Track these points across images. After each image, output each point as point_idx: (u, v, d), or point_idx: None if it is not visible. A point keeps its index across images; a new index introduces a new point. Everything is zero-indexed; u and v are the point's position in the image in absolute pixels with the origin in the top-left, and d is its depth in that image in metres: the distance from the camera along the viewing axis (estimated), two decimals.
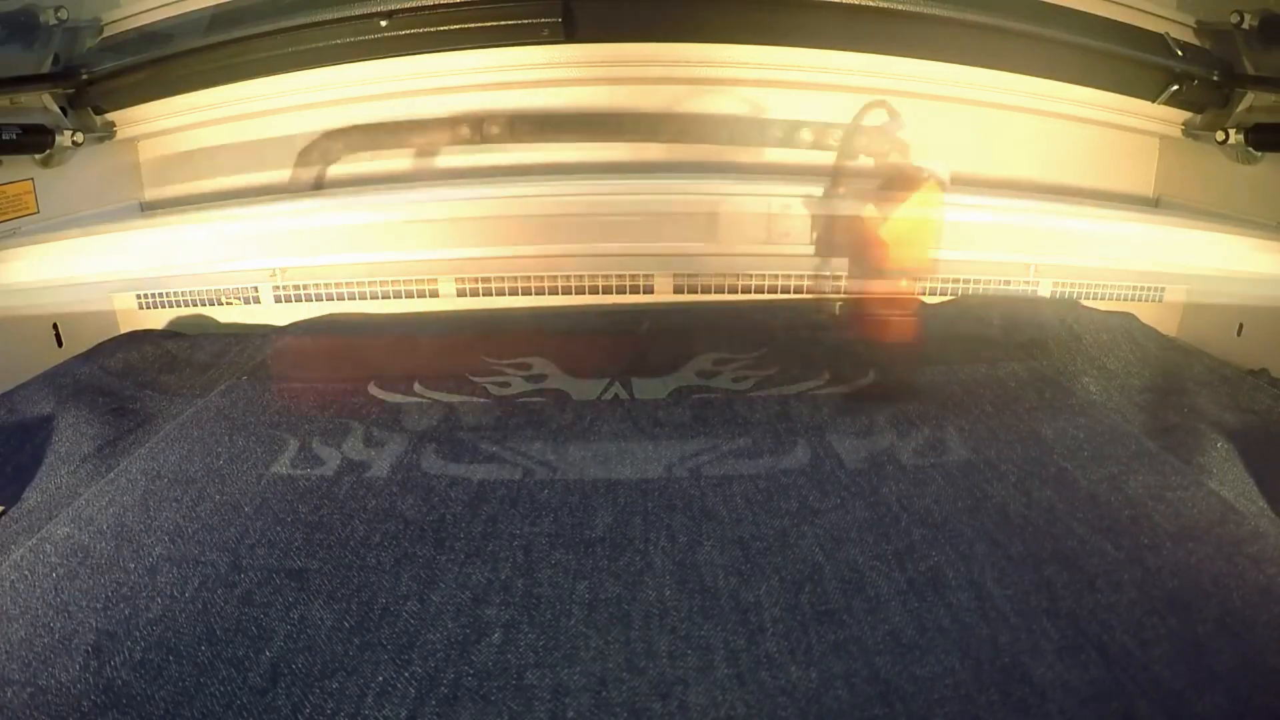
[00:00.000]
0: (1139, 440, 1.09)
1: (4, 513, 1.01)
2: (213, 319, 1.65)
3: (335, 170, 1.60)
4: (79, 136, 1.45)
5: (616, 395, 1.28)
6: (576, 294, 1.50)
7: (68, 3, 1.41)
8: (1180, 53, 1.37)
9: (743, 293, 1.51)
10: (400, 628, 0.77)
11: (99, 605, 0.80)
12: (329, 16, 1.33)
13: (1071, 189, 1.58)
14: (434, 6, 1.34)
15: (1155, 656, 0.71)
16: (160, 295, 1.50)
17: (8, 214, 1.35)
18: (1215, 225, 1.32)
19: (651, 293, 1.51)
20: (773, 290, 1.47)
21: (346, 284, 1.44)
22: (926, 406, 1.20)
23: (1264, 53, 1.33)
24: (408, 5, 1.32)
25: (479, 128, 1.56)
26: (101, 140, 1.53)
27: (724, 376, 1.35)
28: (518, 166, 1.58)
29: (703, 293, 1.53)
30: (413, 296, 1.41)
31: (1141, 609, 0.76)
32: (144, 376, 1.40)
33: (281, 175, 1.61)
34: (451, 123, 1.57)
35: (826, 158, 1.57)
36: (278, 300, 1.52)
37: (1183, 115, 1.47)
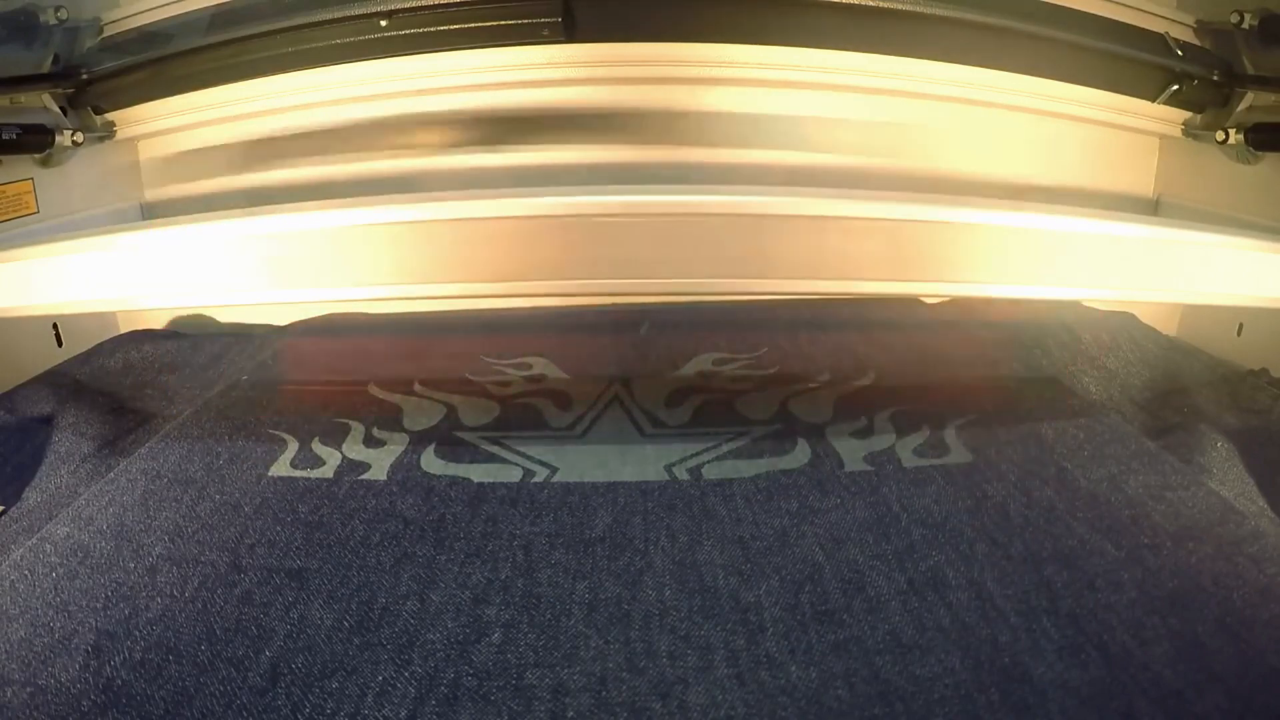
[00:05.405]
0: (1139, 440, 1.09)
1: (4, 513, 1.01)
2: (213, 319, 1.64)
3: (327, 172, 1.60)
4: (79, 136, 1.45)
5: (616, 395, 1.28)
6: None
7: (68, 3, 1.40)
8: (1180, 53, 1.37)
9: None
10: (400, 627, 0.77)
11: (99, 605, 0.80)
12: (329, 16, 1.33)
13: (1071, 189, 1.58)
14: (434, 6, 1.34)
15: (1155, 656, 0.71)
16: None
17: (8, 214, 1.35)
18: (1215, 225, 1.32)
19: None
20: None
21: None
22: (926, 406, 1.20)
23: (1264, 53, 1.33)
24: (408, 5, 1.32)
25: (476, 128, 1.56)
26: (101, 140, 1.53)
27: (724, 376, 1.35)
28: (516, 168, 1.58)
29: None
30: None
31: (1141, 609, 0.77)
32: (144, 376, 1.40)
33: (281, 175, 1.61)
34: (448, 123, 1.57)
35: (828, 159, 1.57)
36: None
37: (1183, 115, 1.47)
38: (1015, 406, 1.20)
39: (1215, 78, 1.37)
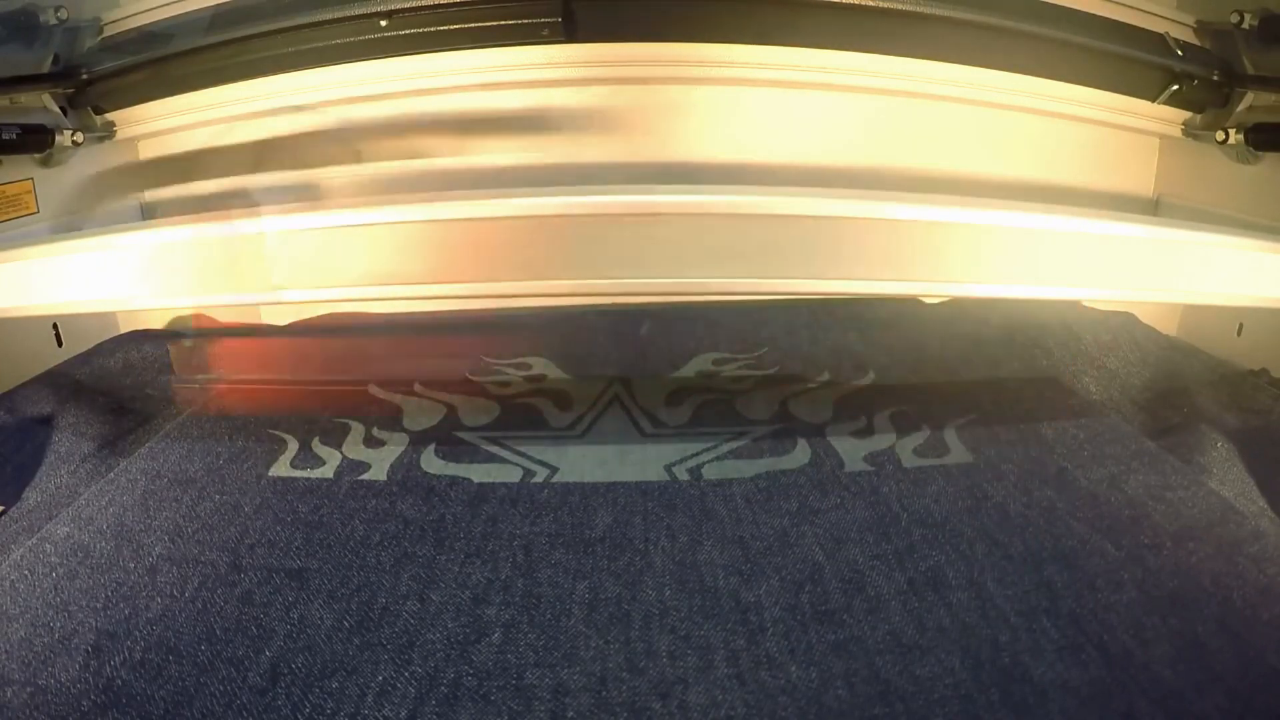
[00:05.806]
0: (1139, 440, 1.09)
1: (4, 513, 1.01)
2: (213, 319, 1.65)
3: (327, 172, 1.59)
4: (79, 136, 1.45)
5: (616, 395, 1.28)
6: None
7: (68, 3, 1.40)
8: (1180, 53, 1.37)
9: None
10: (400, 627, 0.77)
11: (99, 605, 0.80)
12: (329, 16, 1.33)
13: (1071, 189, 1.58)
14: (434, 6, 1.34)
15: (1155, 656, 0.71)
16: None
17: (8, 214, 1.35)
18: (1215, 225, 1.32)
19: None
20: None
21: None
22: (926, 406, 1.20)
23: (1264, 53, 1.33)
24: (408, 5, 1.32)
25: (476, 128, 1.56)
26: (101, 140, 1.53)
27: (724, 376, 1.35)
28: (516, 168, 1.58)
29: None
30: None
31: (1142, 609, 0.77)
32: (144, 376, 1.40)
33: (281, 176, 1.61)
34: (448, 123, 1.56)
35: (828, 159, 1.57)
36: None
37: (1183, 115, 1.47)
38: (1015, 406, 1.20)
39: (1215, 78, 1.37)
